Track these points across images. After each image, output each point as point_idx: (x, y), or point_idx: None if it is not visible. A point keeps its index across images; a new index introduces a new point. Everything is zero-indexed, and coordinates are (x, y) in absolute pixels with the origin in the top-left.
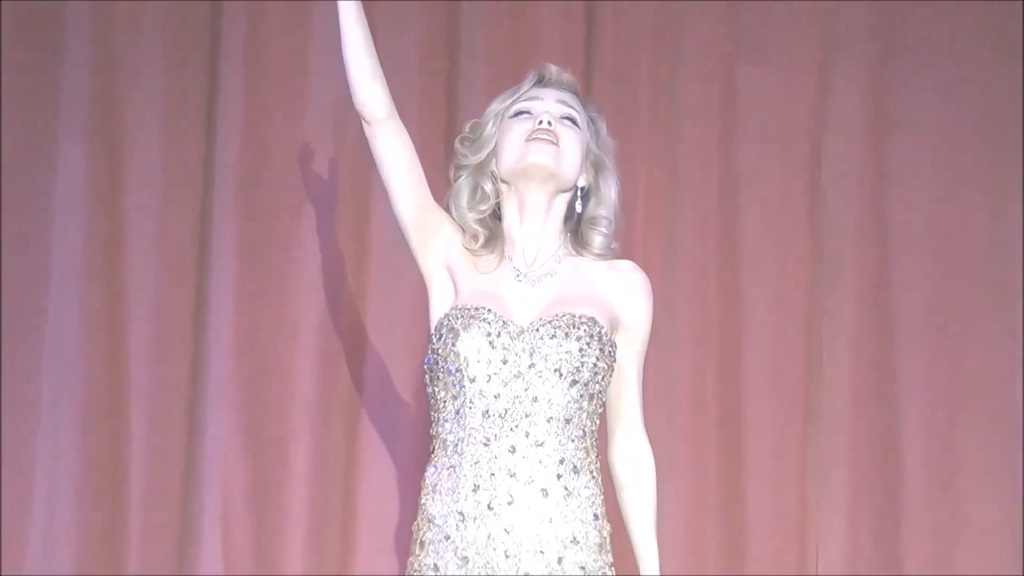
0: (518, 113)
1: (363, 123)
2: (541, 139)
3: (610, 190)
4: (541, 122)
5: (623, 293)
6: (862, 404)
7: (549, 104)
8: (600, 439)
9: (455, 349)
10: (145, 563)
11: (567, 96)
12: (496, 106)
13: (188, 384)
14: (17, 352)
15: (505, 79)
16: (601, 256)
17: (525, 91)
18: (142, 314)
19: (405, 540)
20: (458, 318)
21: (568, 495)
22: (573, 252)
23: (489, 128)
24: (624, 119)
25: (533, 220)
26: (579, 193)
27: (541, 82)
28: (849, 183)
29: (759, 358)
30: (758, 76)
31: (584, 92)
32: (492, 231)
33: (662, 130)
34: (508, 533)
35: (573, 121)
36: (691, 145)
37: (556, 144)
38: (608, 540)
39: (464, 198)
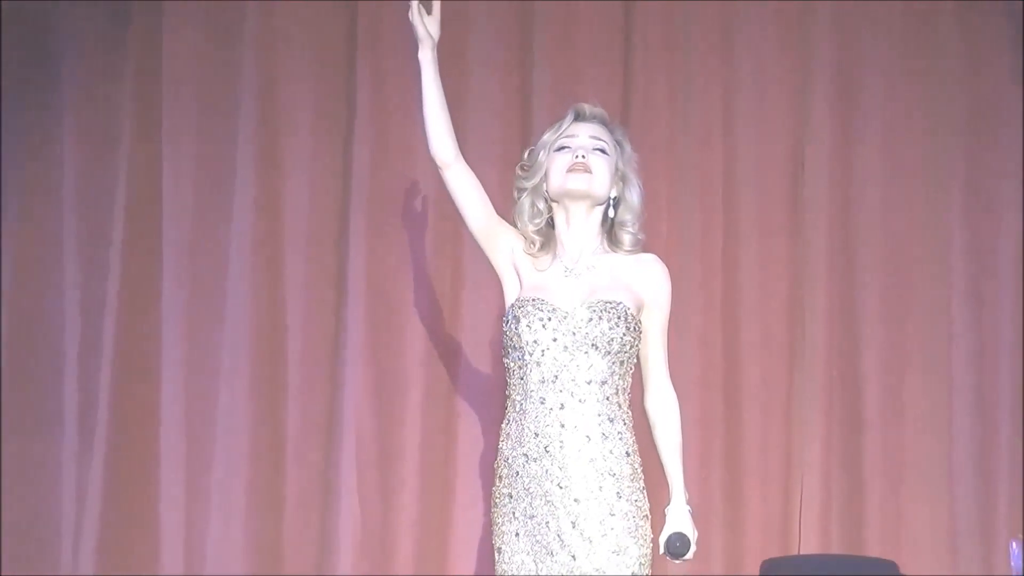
0: (560, 148)
1: (436, 166)
2: (577, 170)
3: (634, 197)
4: (577, 156)
5: (647, 280)
6: (833, 354)
7: (583, 140)
8: (634, 391)
9: (518, 331)
10: (301, 490)
11: (598, 129)
12: (545, 138)
13: (332, 353)
14: (203, 328)
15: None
16: (630, 252)
17: (565, 128)
18: (296, 302)
19: (490, 474)
20: (520, 307)
21: (605, 439)
22: (608, 249)
23: (540, 157)
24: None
25: (577, 227)
26: (611, 202)
27: (578, 118)
28: (822, 185)
29: (754, 319)
30: (752, 98)
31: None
32: (547, 237)
33: (678, 137)
34: (561, 470)
35: (602, 150)
36: (697, 156)
37: (589, 172)
38: (639, 471)
39: (525, 214)
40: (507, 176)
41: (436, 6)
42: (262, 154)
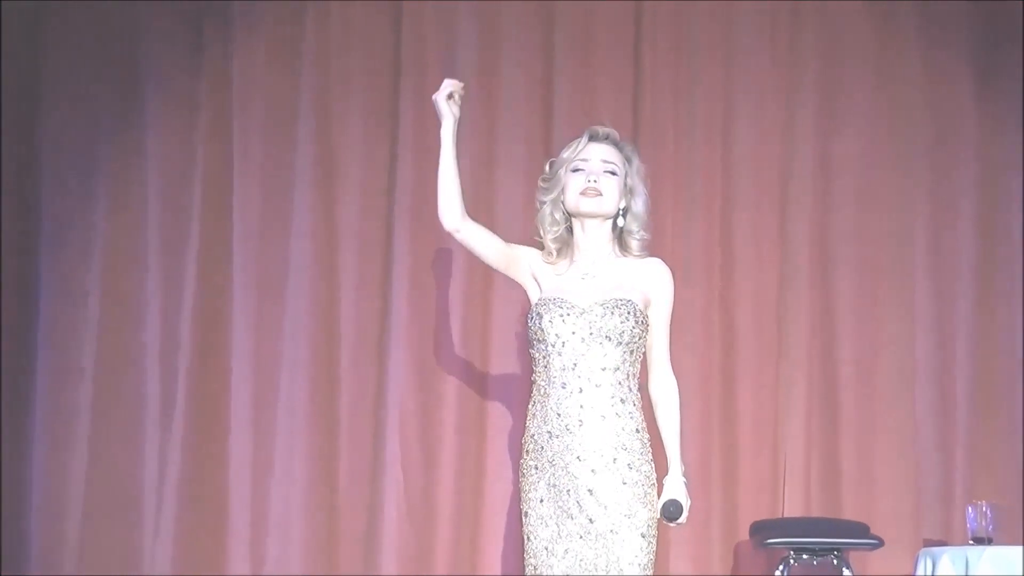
0: (576, 169)
1: (446, 230)
2: (589, 195)
3: (639, 208)
4: (590, 180)
5: (653, 281)
6: (814, 343)
7: (595, 163)
8: (643, 376)
9: (541, 326)
10: (352, 461)
11: (609, 151)
12: (564, 155)
13: (379, 342)
14: (268, 317)
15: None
16: (639, 256)
17: (581, 149)
18: (348, 296)
19: (518, 448)
20: (543, 305)
21: (618, 417)
22: (619, 254)
23: (560, 173)
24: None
25: (591, 237)
26: (620, 211)
27: (592, 139)
28: (805, 181)
29: (746, 296)
30: (748, 102)
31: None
32: (563, 243)
33: (682, 138)
34: (580, 444)
35: (612, 172)
36: (702, 158)
37: (600, 195)
38: (647, 445)
39: (546, 222)
40: (534, 155)
41: (461, 92)
42: (318, 159)
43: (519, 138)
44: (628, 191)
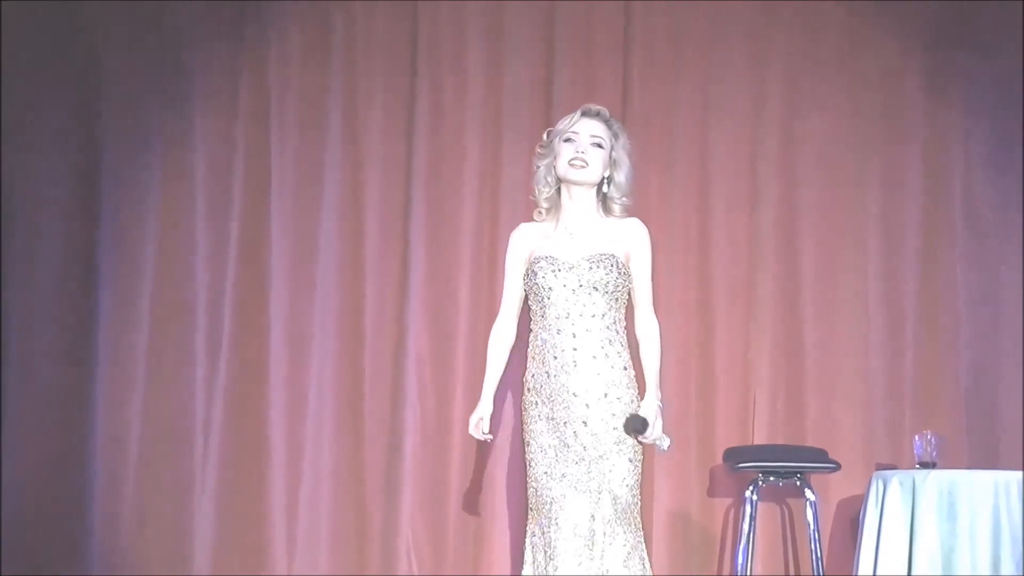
0: (568, 139)
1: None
2: (577, 165)
3: (622, 178)
4: (578, 151)
5: (631, 238)
6: (781, 277)
7: (584, 137)
8: (629, 321)
9: (536, 281)
10: (375, 403)
11: (598, 126)
12: (560, 127)
13: (399, 303)
14: (302, 270)
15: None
16: (620, 217)
17: (574, 122)
18: (372, 263)
19: (520, 387)
20: (536, 263)
21: (607, 357)
22: (603, 215)
23: (555, 142)
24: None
25: (577, 201)
26: (605, 180)
27: (584, 115)
28: (772, 157)
29: (721, 255)
30: (726, 88)
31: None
32: (554, 204)
33: (668, 122)
34: (575, 383)
35: (599, 144)
36: (683, 137)
37: (586, 166)
38: (633, 380)
39: (540, 184)
40: (535, 136)
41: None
42: (345, 136)
43: (522, 119)
44: (613, 163)
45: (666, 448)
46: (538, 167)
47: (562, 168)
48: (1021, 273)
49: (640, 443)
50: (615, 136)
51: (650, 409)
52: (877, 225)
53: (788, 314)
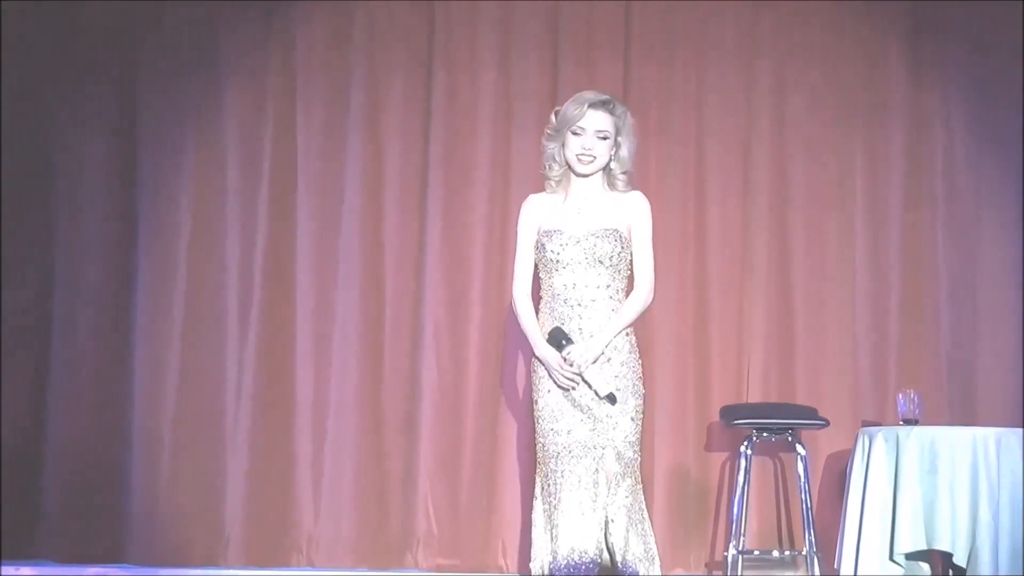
0: (575, 132)
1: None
2: (585, 160)
3: (625, 154)
4: (585, 147)
5: (633, 210)
6: (772, 247)
7: (590, 133)
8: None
9: (545, 253)
10: (395, 363)
11: (603, 118)
12: (568, 112)
13: (416, 271)
14: (326, 236)
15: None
16: (623, 192)
17: (582, 114)
18: (391, 233)
19: (530, 348)
20: (545, 235)
21: (611, 323)
22: (607, 189)
23: (563, 130)
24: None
25: (585, 180)
26: (610, 157)
27: (592, 106)
28: (763, 135)
29: (715, 225)
30: (717, 76)
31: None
32: (564, 176)
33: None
34: (579, 347)
35: (604, 137)
36: (680, 119)
37: (594, 160)
38: (635, 345)
39: (550, 162)
40: (542, 111)
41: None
42: (366, 109)
43: (530, 101)
44: (617, 144)
45: (602, 396)
46: (547, 147)
47: (571, 159)
48: (999, 242)
49: (565, 359)
50: (619, 120)
51: (583, 342)
52: (862, 199)
53: (779, 281)
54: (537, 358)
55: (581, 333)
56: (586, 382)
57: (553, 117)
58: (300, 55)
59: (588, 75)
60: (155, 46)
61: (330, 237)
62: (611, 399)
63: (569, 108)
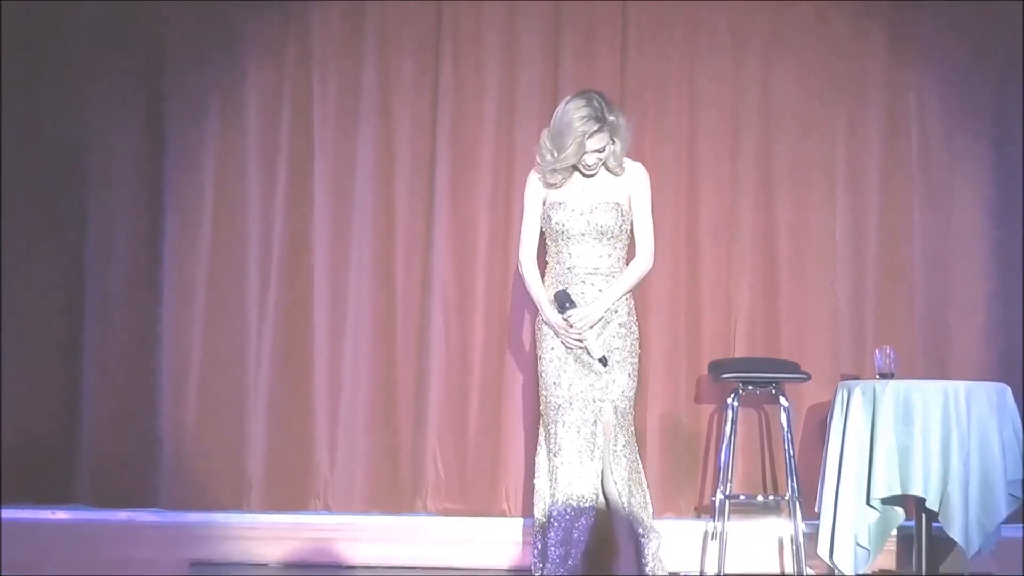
0: (581, 152)
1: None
2: (590, 171)
3: (619, 150)
4: (587, 164)
5: (633, 182)
6: (758, 213)
7: (591, 157)
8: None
9: (551, 225)
10: (406, 322)
11: (599, 138)
12: (566, 146)
13: (425, 240)
14: (341, 203)
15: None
16: (619, 174)
17: (581, 144)
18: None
19: (535, 309)
20: (551, 208)
21: (611, 289)
22: (607, 173)
23: (567, 152)
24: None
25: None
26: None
27: (589, 136)
28: (752, 112)
29: (707, 195)
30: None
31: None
32: (565, 173)
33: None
34: (583, 311)
35: (602, 150)
36: (674, 100)
37: (596, 167)
38: (633, 309)
39: (546, 170)
40: (545, 88)
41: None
42: (378, 87)
43: (534, 80)
44: (612, 140)
45: (595, 358)
46: (542, 165)
47: (577, 167)
48: (971, 209)
49: (567, 321)
50: (614, 129)
51: (586, 305)
52: (843, 168)
53: (765, 245)
54: (540, 319)
55: (583, 298)
56: (583, 346)
57: (547, 141)
58: (316, 45)
59: (588, 56)
60: (179, 36)
61: (345, 204)
62: (603, 362)
63: (565, 140)
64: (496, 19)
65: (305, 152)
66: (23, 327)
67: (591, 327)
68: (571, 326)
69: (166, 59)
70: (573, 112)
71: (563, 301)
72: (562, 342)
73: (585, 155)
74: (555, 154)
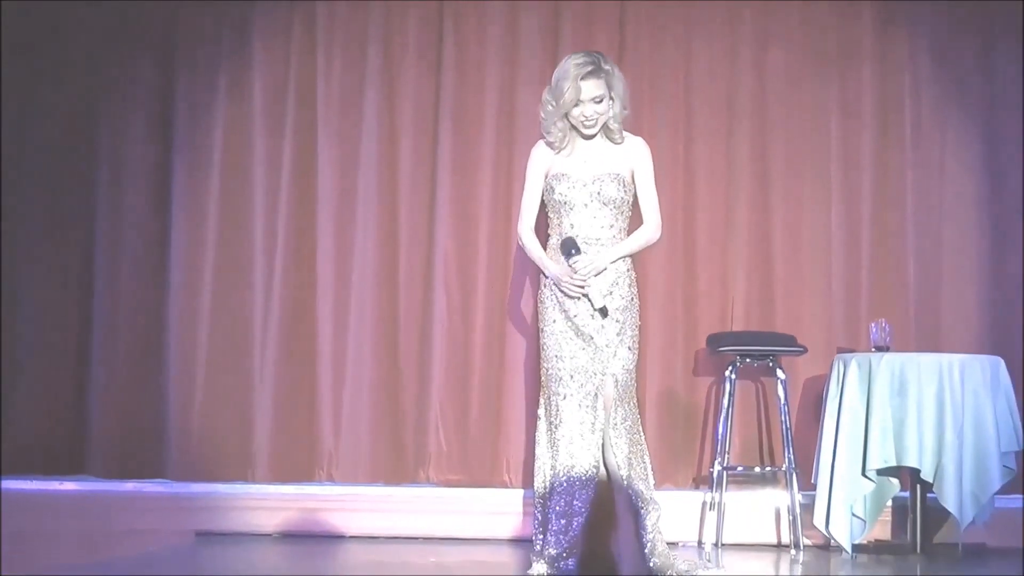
0: (576, 103)
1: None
2: (588, 126)
3: (618, 109)
4: (585, 115)
5: (634, 154)
6: (754, 188)
7: (588, 103)
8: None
9: (554, 196)
10: (409, 300)
11: (596, 84)
12: (563, 89)
13: (429, 220)
14: (345, 181)
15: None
16: (622, 141)
17: (576, 87)
18: (406, 193)
19: (536, 282)
20: (555, 178)
21: (613, 263)
22: (608, 142)
23: (564, 97)
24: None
25: (587, 137)
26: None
27: (583, 78)
28: (745, 93)
29: (703, 175)
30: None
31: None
32: (566, 137)
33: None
34: (584, 281)
35: (600, 99)
36: (670, 80)
37: (595, 124)
38: (634, 279)
39: (550, 128)
40: (545, 63)
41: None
42: (383, 69)
43: (535, 52)
44: (612, 99)
45: (596, 307)
46: (547, 110)
47: (575, 124)
48: (962, 183)
49: (572, 267)
50: (610, 77)
51: (592, 253)
52: (837, 145)
53: (761, 220)
54: (543, 290)
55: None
56: (585, 294)
57: (547, 95)
58: (321, 18)
59: (587, 32)
60: (186, 36)
61: (350, 177)
62: (603, 312)
63: (563, 85)
64: (498, 16)
65: (309, 149)
66: (36, 302)
67: (595, 276)
68: (576, 272)
69: (173, 60)
70: (570, 60)
71: (570, 248)
72: (563, 292)
73: (583, 105)
74: (555, 103)
